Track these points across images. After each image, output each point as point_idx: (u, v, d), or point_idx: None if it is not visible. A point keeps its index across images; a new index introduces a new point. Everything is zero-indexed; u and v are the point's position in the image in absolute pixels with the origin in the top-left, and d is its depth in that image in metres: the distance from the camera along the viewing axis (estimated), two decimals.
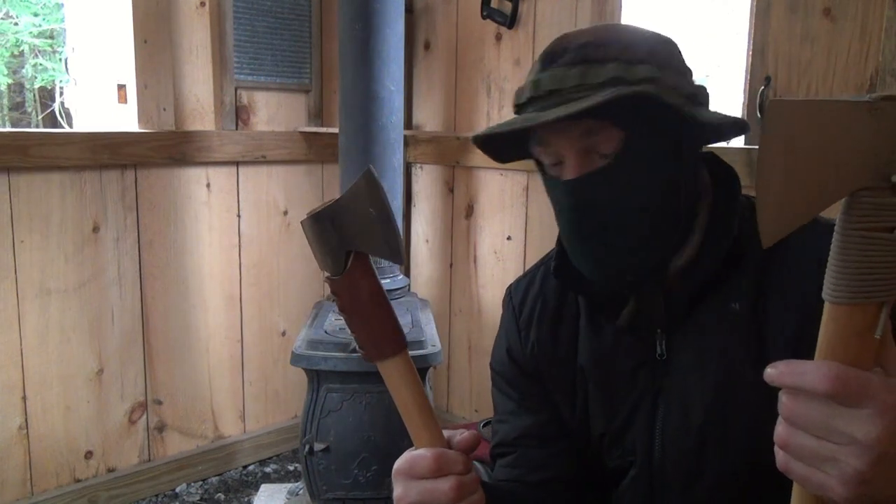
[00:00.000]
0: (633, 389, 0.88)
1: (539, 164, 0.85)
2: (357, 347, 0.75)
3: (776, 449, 0.56)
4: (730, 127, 0.82)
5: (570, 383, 0.93)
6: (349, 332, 0.77)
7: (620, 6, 2.09)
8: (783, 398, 0.54)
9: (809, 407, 0.53)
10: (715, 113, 0.81)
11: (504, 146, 0.87)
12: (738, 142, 1.78)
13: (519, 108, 0.83)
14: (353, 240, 0.71)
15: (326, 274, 0.74)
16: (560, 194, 0.81)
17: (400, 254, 0.70)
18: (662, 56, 0.80)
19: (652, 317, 0.85)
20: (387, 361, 0.73)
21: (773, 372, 0.55)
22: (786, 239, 0.80)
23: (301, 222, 0.74)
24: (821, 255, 0.78)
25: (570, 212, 0.80)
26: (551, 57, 0.80)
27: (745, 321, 0.82)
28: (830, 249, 0.54)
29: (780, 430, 0.55)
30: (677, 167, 0.82)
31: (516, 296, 1.00)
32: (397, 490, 0.73)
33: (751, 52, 1.75)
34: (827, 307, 0.55)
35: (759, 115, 1.73)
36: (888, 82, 1.56)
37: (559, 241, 0.90)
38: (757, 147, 0.57)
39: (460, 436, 0.76)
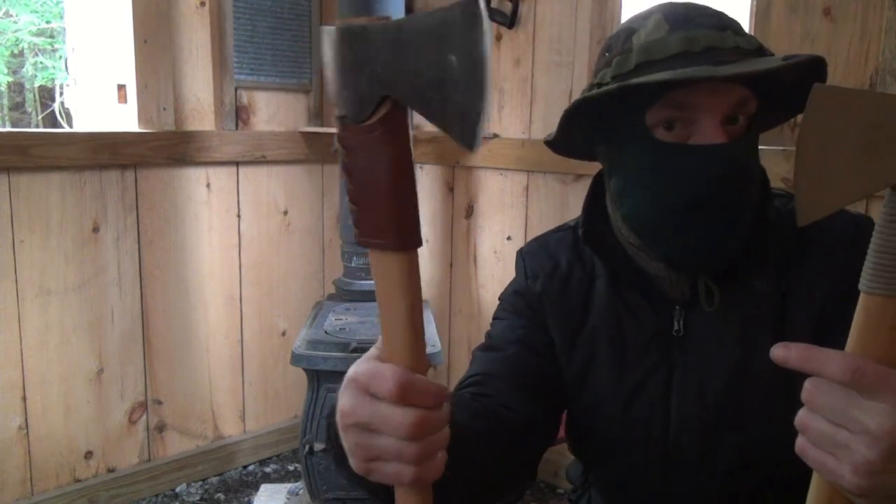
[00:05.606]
0: (643, 360, 0.87)
1: (634, 128, 0.79)
2: (358, 230, 0.55)
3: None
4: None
5: (573, 335, 0.91)
6: (351, 204, 0.55)
7: (621, 6, 2.10)
8: (807, 384, 0.55)
9: (830, 393, 0.53)
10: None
11: (586, 119, 0.82)
12: None
13: (641, 67, 0.76)
14: (403, 89, 0.49)
15: (339, 113, 0.53)
16: (698, 159, 0.76)
17: (476, 135, 0.46)
18: None
19: (673, 293, 0.85)
20: (401, 255, 0.54)
21: (786, 353, 0.55)
22: (817, 222, 0.80)
23: (325, 30, 0.52)
24: (849, 240, 0.80)
25: (711, 180, 0.75)
26: (684, 19, 0.76)
27: (769, 301, 0.82)
28: (871, 240, 0.54)
29: (801, 413, 0.55)
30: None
31: (527, 252, 1.01)
32: (346, 400, 0.59)
33: None
34: (862, 298, 0.55)
35: None
36: (888, 82, 1.56)
37: (586, 210, 0.90)
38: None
39: None
